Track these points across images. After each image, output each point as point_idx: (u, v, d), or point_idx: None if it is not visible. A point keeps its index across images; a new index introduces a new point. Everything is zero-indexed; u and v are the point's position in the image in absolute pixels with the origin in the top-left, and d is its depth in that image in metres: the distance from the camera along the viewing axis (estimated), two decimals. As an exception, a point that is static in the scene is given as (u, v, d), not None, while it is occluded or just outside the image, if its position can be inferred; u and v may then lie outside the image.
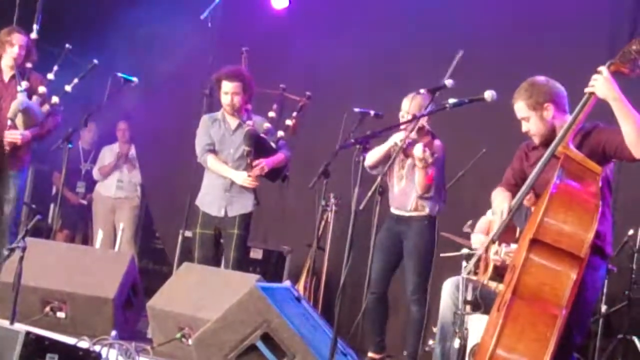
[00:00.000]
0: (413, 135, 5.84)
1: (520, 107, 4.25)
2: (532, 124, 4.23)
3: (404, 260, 6.18)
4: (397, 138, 5.89)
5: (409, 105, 6.01)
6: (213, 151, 6.36)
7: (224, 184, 6.30)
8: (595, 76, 3.98)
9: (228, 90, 6.23)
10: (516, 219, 4.30)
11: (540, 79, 4.28)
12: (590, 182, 3.91)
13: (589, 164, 3.95)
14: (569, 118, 4.12)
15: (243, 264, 6.34)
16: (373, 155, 5.99)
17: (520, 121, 4.29)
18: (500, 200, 4.32)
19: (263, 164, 6.21)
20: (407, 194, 6.14)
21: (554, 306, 3.76)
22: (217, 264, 6.30)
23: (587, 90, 4.01)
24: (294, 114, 6.55)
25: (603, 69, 3.96)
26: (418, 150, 5.74)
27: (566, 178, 3.91)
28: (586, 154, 4.05)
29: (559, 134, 4.07)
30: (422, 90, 5.51)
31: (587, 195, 3.88)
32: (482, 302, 5.23)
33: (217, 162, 6.33)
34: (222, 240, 6.33)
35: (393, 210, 6.23)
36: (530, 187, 4.15)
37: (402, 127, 5.78)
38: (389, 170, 6.08)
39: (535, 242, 3.81)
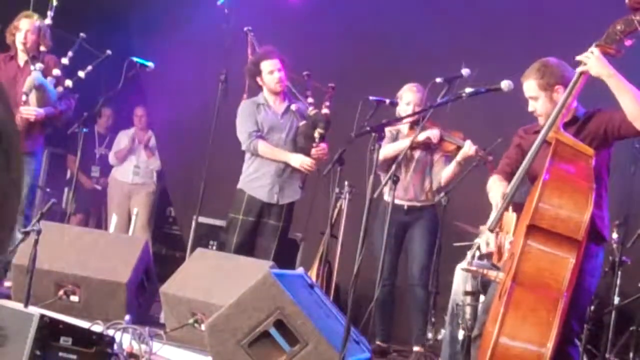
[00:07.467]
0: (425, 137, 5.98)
1: (531, 86, 4.23)
2: (539, 104, 4.21)
3: (410, 244, 6.30)
4: (405, 143, 5.94)
5: (417, 97, 6.08)
6: (261, 137, 6.27)
7: (277, 169, 6.24)
8: (586, 54, 3.95)
9: (272, 68, 6.20)
10: (518, 197, 4.29)
11: (553, 60, 4.26)
12: (583, 164, 3.90)
13: (581, 146, 3.94)
14: (575, 103, 4.11)
15: (280, 255, 6.28)
16: (387, 152, 6.03)
17: (528, 100, 4.26)
18: (495, 192, 4.31)
19: (326, 149, 6.20)
20: (415, 186, 6.21)
21: (554, 290, 3.75)
22: (251, 251, 6.27)
23: (579, 69, 3.99)
24: (327, 103, 6.49)
25: (594, 48, 3.94)
26: (470, 148, 5.98)
27: (558, 162, 3.90)
28: (588, 138, 4.04)
29: (549, 119, 4.04)
30: (438, 79, 5.49)
31: (580, 178, 3.87)
32: (482, 291, 5.22)
33: (270, 147, 6.23)
34: (263, 228, 6.30)
35: (401, 201, 6.24)
36: (523, 173, 4.13)
37: (409, 118, 5.85)
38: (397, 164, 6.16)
39: (532, 228, 3.81)
